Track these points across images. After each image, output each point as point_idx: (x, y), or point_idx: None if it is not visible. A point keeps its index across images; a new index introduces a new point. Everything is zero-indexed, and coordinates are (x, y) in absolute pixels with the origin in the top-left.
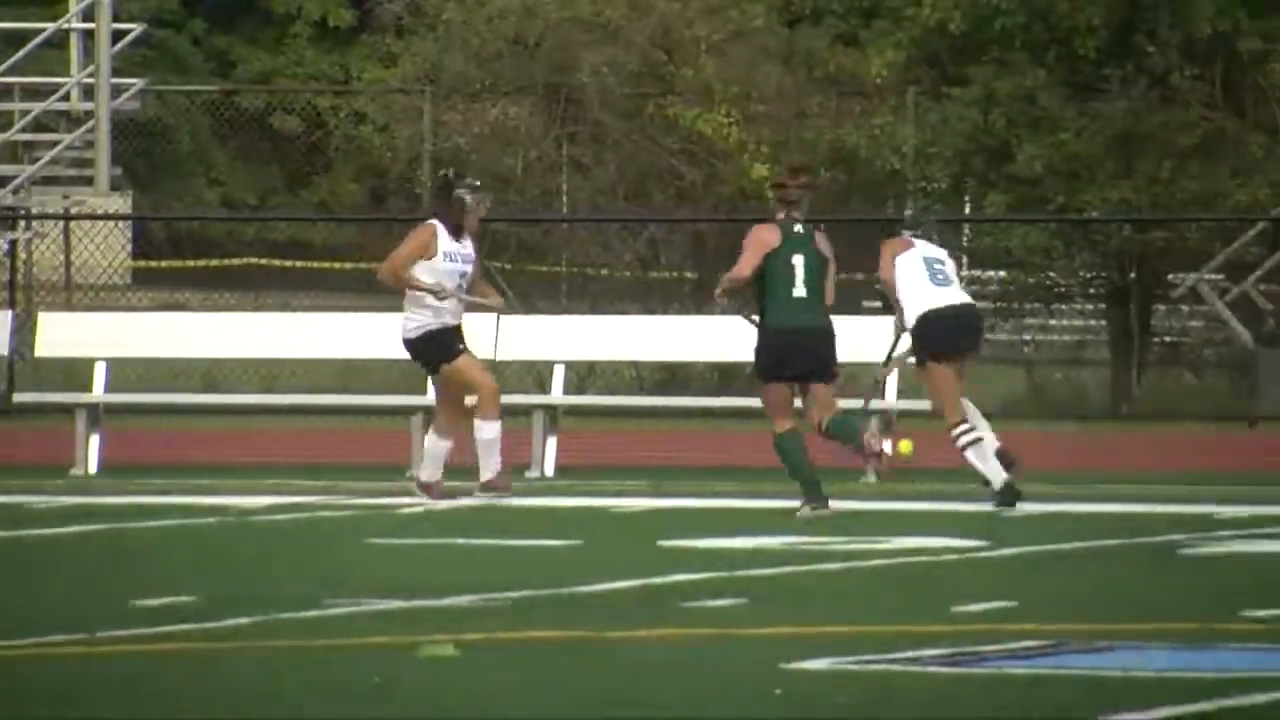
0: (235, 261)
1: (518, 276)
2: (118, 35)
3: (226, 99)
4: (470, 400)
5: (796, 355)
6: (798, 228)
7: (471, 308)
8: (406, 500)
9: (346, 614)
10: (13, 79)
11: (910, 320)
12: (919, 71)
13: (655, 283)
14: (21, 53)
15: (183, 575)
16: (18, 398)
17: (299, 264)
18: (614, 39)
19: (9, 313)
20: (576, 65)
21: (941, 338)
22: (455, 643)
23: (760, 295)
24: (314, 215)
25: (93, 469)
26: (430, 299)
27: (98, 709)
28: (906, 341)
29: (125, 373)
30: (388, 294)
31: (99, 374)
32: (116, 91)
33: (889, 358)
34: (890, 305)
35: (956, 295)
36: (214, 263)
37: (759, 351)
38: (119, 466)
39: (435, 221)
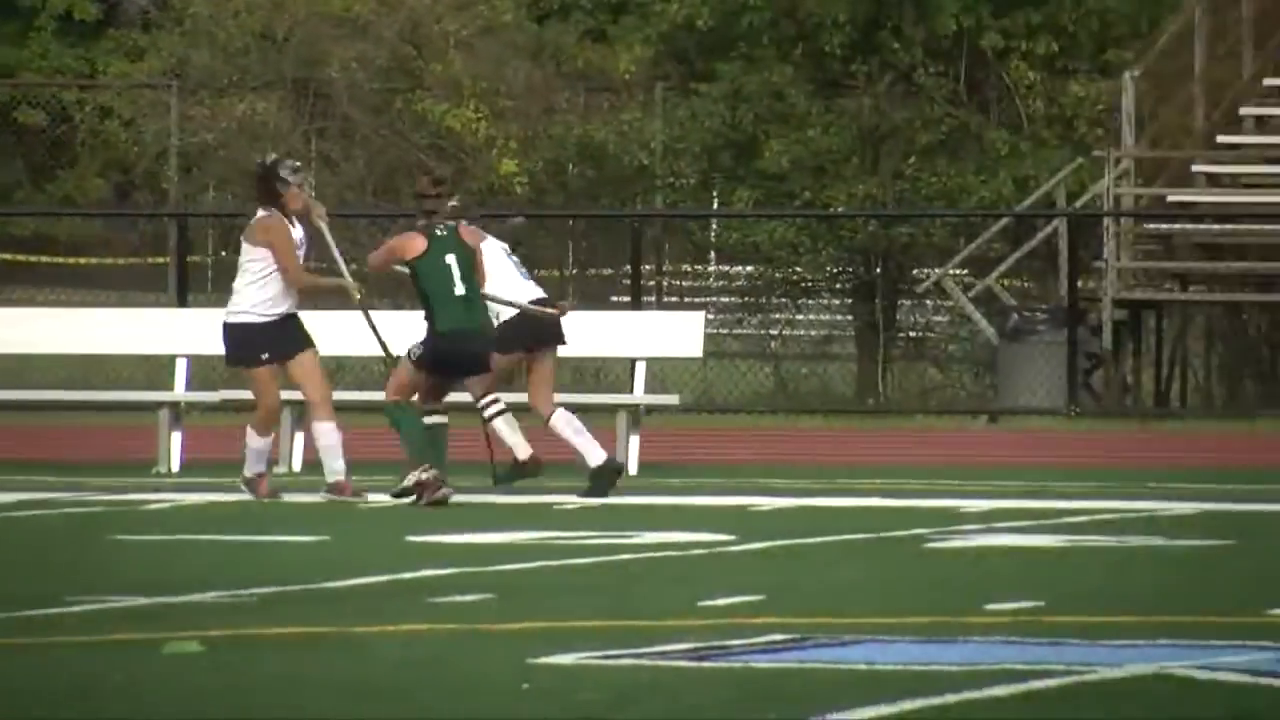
0: None
1: None
2: None
3: None
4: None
5: (461, 359)
6: (440, 230)
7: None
8: (154, 496)
9: (89, 611)
10: None
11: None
12: (667, 67)
13: (403, 278)
14: None
15: None
16: None
17: (44, 259)
18: (363, 34)
19: None
20: (325, 60)
21: (540, 332)
22: (200, 639)
23: (424, 300)
24: (59, 210)
25: None
26: (269, 288)
27: None
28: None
29: None
30: (134, 289)
31: None
32: None
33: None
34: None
35: (536, 289)
36: None
37: (426, 347)
38: None
39: (278, 213)
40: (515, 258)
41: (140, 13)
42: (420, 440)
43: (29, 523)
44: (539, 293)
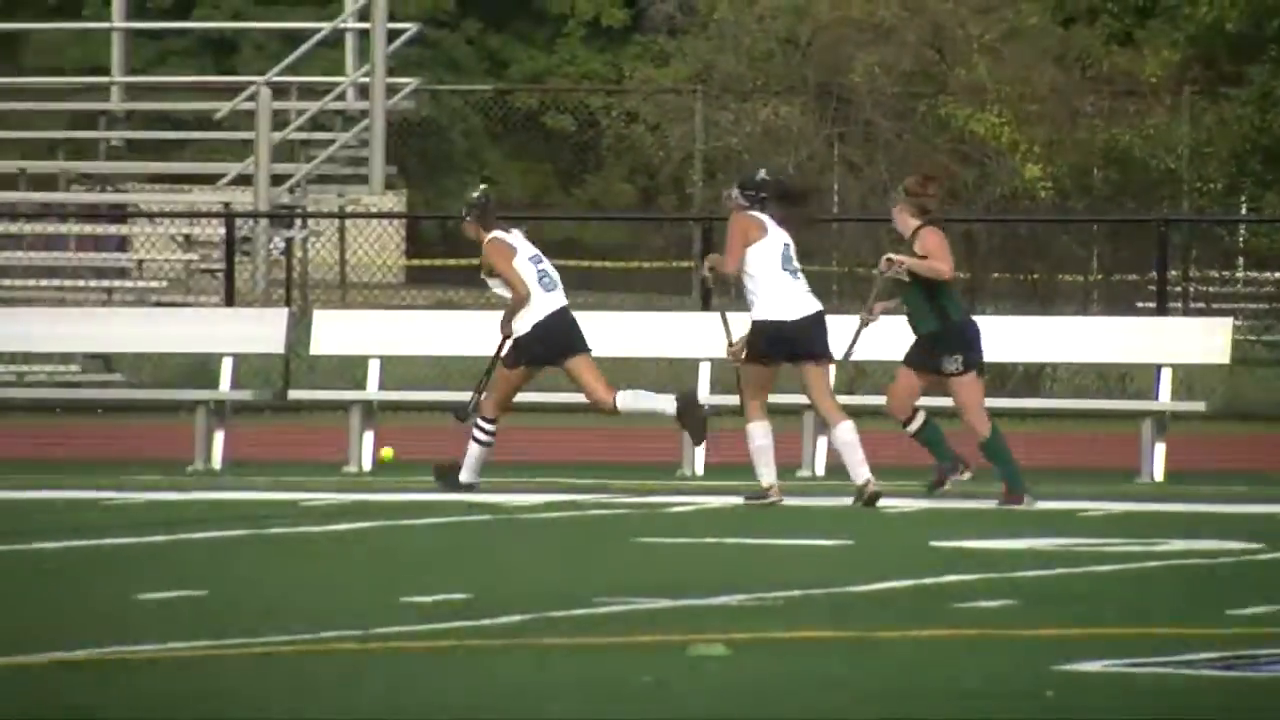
0: None
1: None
2: (393, 35)
3: (499, 98)
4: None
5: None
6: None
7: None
8: (677, 499)
9: (616, 613)
10: (290, 78)
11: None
12: (1195, 70)
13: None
14: (298, 52)
15: (454, 572)
16: (293, 394)
17: (571, 263)
18: (886, 39)
19: (286, 310)
20: (848, 65)
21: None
22: (726, 642)
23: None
24: (586, 214)
25: (367, 466)
26: None
27: (371, 703)
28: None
29: (399, 370)
30: (657, 293)
31: (373, 371)
32: (391, 91)
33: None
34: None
35: (562, 297)
36: None
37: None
38: (392, 462)
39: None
40: (545, 264)
41: (666, 19)
42: (1013, 460)
43: (555, 524)
44: (563, 300)
